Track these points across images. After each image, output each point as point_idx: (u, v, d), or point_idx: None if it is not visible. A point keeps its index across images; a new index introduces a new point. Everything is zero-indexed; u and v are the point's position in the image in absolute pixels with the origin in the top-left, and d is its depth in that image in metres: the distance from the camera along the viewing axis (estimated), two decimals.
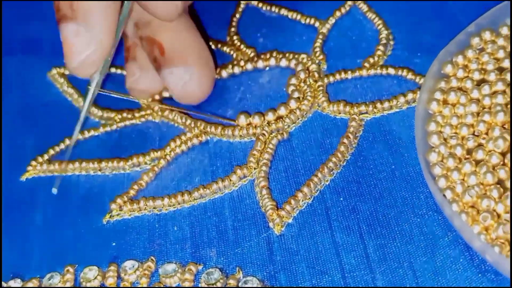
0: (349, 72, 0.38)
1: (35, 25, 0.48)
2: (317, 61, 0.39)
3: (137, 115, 0.40)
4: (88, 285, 0.32)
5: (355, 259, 0.31)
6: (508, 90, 0.32)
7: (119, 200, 0.35)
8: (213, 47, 0.43)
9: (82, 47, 0.33)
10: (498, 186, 0.30)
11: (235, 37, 0.42)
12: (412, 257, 0.30)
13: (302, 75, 0.38)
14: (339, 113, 0.36)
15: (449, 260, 0.30)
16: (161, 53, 0.36)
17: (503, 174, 0.30)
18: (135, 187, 0.36)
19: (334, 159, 0.34)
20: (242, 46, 0.42)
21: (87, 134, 0.40)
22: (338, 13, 0.42)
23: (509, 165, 0.30)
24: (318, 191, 0.33)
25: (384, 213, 0.32)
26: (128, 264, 0.33)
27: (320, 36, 0.41)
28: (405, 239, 0.31)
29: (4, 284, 0.33)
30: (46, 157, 0.39)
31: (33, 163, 0.38)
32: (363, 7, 0.41)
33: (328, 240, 0.32)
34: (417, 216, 0.31)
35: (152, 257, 0.33)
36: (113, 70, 0.42)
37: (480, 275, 0.29)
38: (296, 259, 0.31)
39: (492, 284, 0.28)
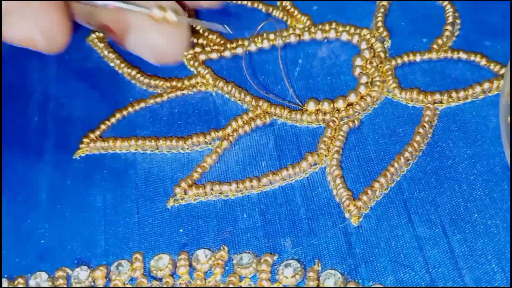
0: (418, 54, 0.37)
1: None
2: (381, 38, 0.38)
3: (187, 83, 0.39)
4: (159, 273, 0.32)
5: (440, 254, 0.30)
6: None
7: (183, 184, 0.34)
8: (263, 11, 0.41)
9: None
10: None
11: (287, 2, 0.41)
12: (500, 253, 0.30)
13: (367, 55, 0.37)
14: (412, 101, 0.35)
15: None
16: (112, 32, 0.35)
17: None
18: (199, 170, 0.35)
19: (410, 149, 0.33)
20: (296, 12, 0.40)
21: (137, 106, 0.38)
22: None
23: None
24: (395, 182, 0.33)
25: (466, 207, 0.31)
26: (200, 253, 0.32)
27: (382, 10, 0.40)
28: (491, 235, 0.30)
29: (69, 271, 0.32)
30: (97, 132, 0.37)
31: (85, 140, 0.37)
32: None
33: (409, 233, 0.31)
34: (501, 211, 0.31)
35: (224, 246, 0.32)
36: None
37: None
38: (376, 252, 0.31)
39: None
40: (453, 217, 0.31)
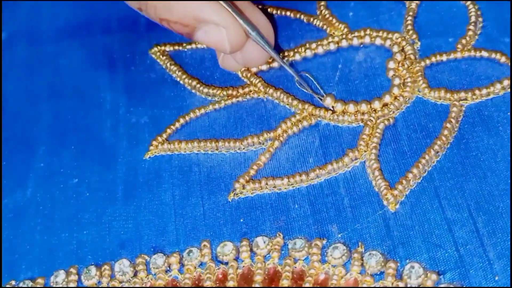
0: (444, 54, 0.41)
1: None
2: (411, 41, 0.42)
3: (241, 91, 0.44)
4: (225, 258, 0.37)
5: (467, 233, 0.35)
6: None
7: (242, 180, 0.39)
8: (305, 20, 0.46)
9: (222, 40, 0.39)
10: None
11: (326, 12, 0.46)
12: None
13: (399, 57, 0.42)
14: (440, 99, 0.39)
15: None
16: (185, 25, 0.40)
17: None
18: (255, 167, 0.40)
19: (439, 142, 0.38)
20: (334, 21, 0.45)
21: (198, 112, 0.43)
22: None
23: None
24: (426, 172, 0.37)
25: (489, 191, 0.36)
26: (260, 239, 0.37)
27: (410, 13, 0.44)
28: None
29: (147, 258, 0.38)
30: (164, 136, 0.43)
31: (154, 142, 0.42)
32: None
33: (440, 216, 0.36)
34: None
35: (279, 233, 0.37)
36: None
37: None
38: (411, 234, 0.35)
39: None
40: (478, 201, 0.36)
